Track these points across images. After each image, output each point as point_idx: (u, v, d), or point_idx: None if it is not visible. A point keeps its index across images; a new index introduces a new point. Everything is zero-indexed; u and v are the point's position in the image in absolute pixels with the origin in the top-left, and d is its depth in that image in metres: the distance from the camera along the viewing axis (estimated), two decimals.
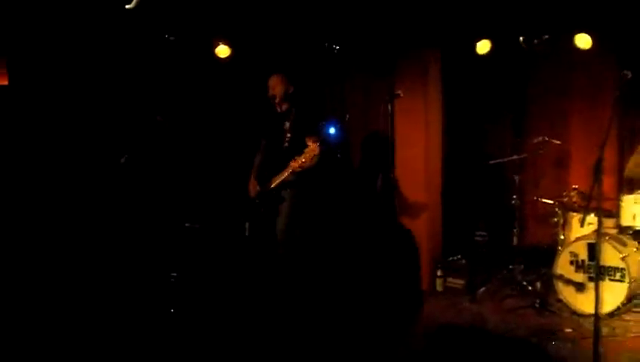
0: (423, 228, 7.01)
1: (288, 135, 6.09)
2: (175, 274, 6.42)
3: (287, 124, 6.13)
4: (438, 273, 6.92)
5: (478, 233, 7.60)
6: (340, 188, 7.28)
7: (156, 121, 6.66)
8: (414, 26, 6.94)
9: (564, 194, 6.51)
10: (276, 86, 6.14)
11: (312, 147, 5.74)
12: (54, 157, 6.82)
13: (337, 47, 7.15)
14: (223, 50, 7.30)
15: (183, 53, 7.19)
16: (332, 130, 7.05)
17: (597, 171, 4.52)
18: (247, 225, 6.25)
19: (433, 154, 7.22)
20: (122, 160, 6.27)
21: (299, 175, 5.95)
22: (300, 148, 5.85)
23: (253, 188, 6.30)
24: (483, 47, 7.21)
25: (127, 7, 4.65)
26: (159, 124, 6.68)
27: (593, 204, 4.97)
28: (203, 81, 7.61)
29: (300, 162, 5.76)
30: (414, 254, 6.64)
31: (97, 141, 6.94)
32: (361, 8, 6.95)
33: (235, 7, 6.95)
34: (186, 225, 6.98)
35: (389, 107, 6.19)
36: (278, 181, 6.00)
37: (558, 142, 6.69)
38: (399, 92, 6.17)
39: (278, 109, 6.20)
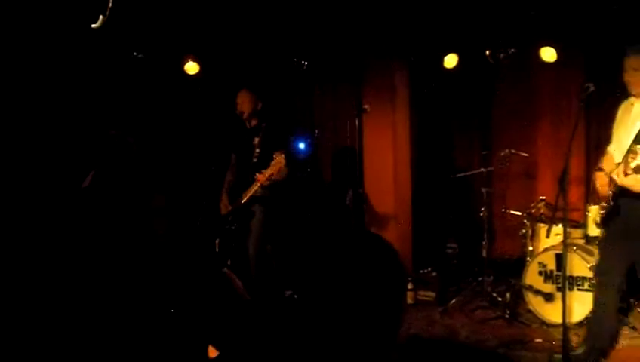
0: (393, 241, 6.88)
1: (257, 150, 6.10)
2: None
3: (257, 140, 6.14)
4: (409, 286, 6.92)
5: (448, 245, 7.64)
6: (310, 202, 7.29)
7: (127, 142, 6.62)
8: (381, 40, 7.00)
9: (532, 205, 6.56)
10: (244, 102, 6.14)
11: (278, 159, 5.76)
12: (21, 176, 6.73)
13: (306, 63, 7.18)
14: (191, 67, 7.30)
15: (152, 71, 7.16)
16: (302, 145, 7.07)
17: (562, 182, 4.58)
18: (217, 241, 6.24)
19: (402, 168, 7.26)
20: (86, 182, 6.21)
21: (268, 190, 5.96)
22: (269, 163, 5.86)
23: (225, 205, 6.29)
24: (450, 60, 7.29)
25: (92, 26, 4.61)
26: (130, 145, 6.64)
27: (559, 214, 5.02)
28: (173, 98, 7.58)
29: (266, 175, 5.77)
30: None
31: (61, 158, 6.87)
32: (327, 23, 7.00)
33: (204, 24, 6.97)
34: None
35: (357, 122, 6.21)
36: (247, 196, 6.01)
37: (526, 154, 6.73)
38: (366, 106, 6.19)
39: (248, 125, 6.21)
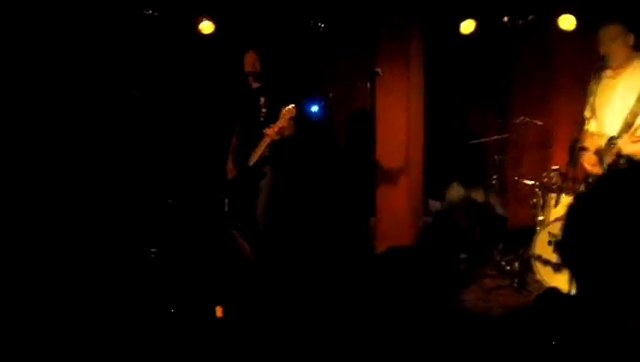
0: (403, 207, 7.00)
1: (264, 110, 6.05)
2: (155, 250, 6.40)
3: (263, 100, 6.08)
4: None
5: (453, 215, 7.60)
6: (322, 167, 7.27)
7: (133, 96, 6.61)
8: (397, 3, 6.90)
9: (544, 174, 6.50)
10: (255, 62, 6.10)
11: (287, 109, 5.71)
12: (29, 131, 6.74)
13: (323, 26, 7.12)
14: (206, 26, 7.23)
15: (165, 29, 7.12)
16: (315, 108, 7.03)
17: (572, 152, 4.53)
18: (226, 201, 6.23)
19: (415, 134, 7.20)
20: (98, 133, 6.22)
21: (278, 150, 5.93)
22: (276, 120, 5.84)
23: (230, 170, 6.28)
24: (467, 26, 7.18)
25: None
26: (136, 98, 6.63)
27: (569, 185, 4.98)
28: (186, 57, 7.54)
29: (276, 128, 5.73)
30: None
31: (73, 115, 6.87)
32: None
33: None
34: (169, 201, 6.95)
35: (369, 85, 6.16)
36: (256, 155, 5.97)
37: (540, 122, 6.67)
38: (378, 70, 6.14)
39: (254, 85, 6.17)
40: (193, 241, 6.69)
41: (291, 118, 5.72)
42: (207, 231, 6.74)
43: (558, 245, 1.41)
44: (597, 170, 4.58)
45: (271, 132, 5.77)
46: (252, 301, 5.43)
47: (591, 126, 4.68)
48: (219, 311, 5.09)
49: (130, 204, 6.85)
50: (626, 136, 4.38)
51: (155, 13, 6.82)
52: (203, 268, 6.25)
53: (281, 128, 5.74)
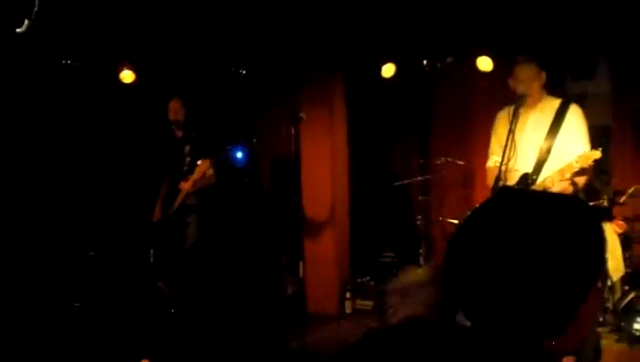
0: (330, 250, 6.99)
1: (187, 159, 6.05)
2: (78, 304, 6.21)
3: (187, 148, 6.08)
4: (347, 295, 6.89)
5: (385, 254, 7.61)
6: (248, 212, 7.22)
7: (49, 146, 6.48)
8: (318, 49, 6.97)
9: (468, 213, 6.59)
10: (178, 110, 6.07)
11: (201, 163, 5.76)
12: None
13: (244, 72, 7.13)
14: (127, 75, 7.14)
15: (86, 78, 7.01)
16: (239, 154, 7.00)
17: (495, 190, 4.60)
18: (151, 251, 6.14)
19: (340, 177, 7.22)
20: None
21: (199, 197, 5.93)
22: None
23: (156, 214, 6.23)
24: (388, 70, 7.29)
25: (17, 30, 4.45)
26: (52, 148, 6.50)
27: None
28: (107, 106, 7.42)
29: (190, 181, 5.77)
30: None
31: None
32: (265, 32, 6.95)
33: (140, 32, 6.84)
34: (90, 253, 6.78)
35: (293, 130, 6.17)
36: (176, 204, 5.99)
37: (461, 162, 6.78)
38: (302, 115, 6.15)
39: (179, 134, 6.15)
40: (116, 293, 6.53)
41: (205, 173, 5.77)
42: (131, 283, 6.59)
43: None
44: None
45: (186, 185, 5.85)
46: (176, 353, 5.32)
47: (510, 163, 4.75)
48: None
49: (52, 258, 6.65)
50: (555, 175, 4.46)
51: (75, 63, 6.71)
52: (127, 321, 6.10)
53: (195, 181, 5.80)
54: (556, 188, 4.43)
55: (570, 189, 4.45)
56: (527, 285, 1.32)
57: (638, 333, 5.29)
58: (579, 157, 4.31)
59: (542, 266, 1.31)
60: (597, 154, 4.28)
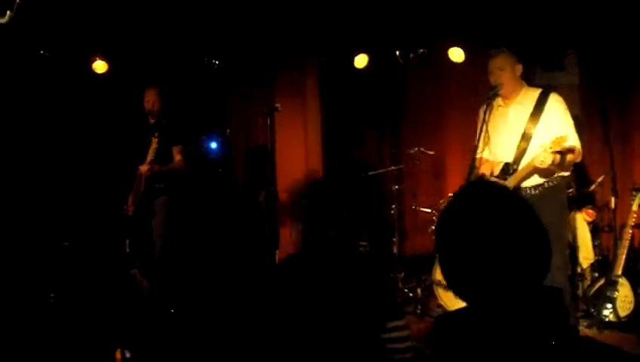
0: None
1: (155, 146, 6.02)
2: (54, 295, 6.20)
3: (156, 134, 6.05)
4: None
5: (359, 243, 7.67)
6: (222, 202, 7.23)
7: (31, 137, 6.44)
8: (292, 40, 7.01)
9: (441, 202, 6.69)
10: (153, 100, 6.06)
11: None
12: None
13: (217, 62, 7.13)
14: (100, 66, 7.13)
15: (59, 69, 6.97)
16: (213, 145, 7.01)
17: (469, 179, 4.68)
18: (127, 241, 6.14)
19: (314, 166, 7.28)
20: None
21: (163, 182, 5.93)
22: (165, 159, 5.83)
23: (129, 206, 6.22)
24: (361, 60, 7.36)
25: None
26: (33, 139, 6.46)
27: None
28: (80, 97, 7.39)
29: (146, 163, 5.77)
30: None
31: None
32: (239, 22, 6.96)
33: (113, 22, 6.82)
34: (65, 243, 6.76)
35: (269, 120, 6.21)
36: (140, 191, 5.98)
37: (432, 152, 6.85)
38: (277, 105, 6.19)
39: (152, 121, 6.13)
40: (92, 283, 6.52)
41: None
42: (106, 272, 6.59)
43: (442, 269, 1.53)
44: None
45: (143, 168, 5.82)
46: (152, 342, 5.33)
47: (484, 153, 4.83)
48: (118, 354, 4.98)
49: (27, 249, 6.62)
50: (528, 165, 4.55)
51: (47, 54, 6.68)
52: (102, 310, 6.10)
53: (150, 161, 5.78)
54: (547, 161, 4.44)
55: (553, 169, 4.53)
56: (501, 259, 1.55)
57: (607, 319, 5.40)
58: (549, 142, 4.36)
59: (508, 244, 1.55)
60: (565, 137, 4.34)
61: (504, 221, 1.58)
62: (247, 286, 6.37)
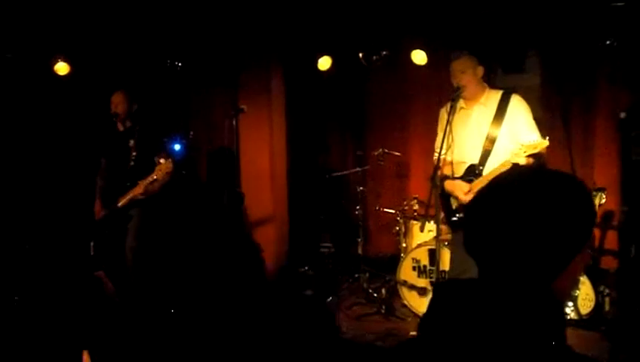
0: (270, 241, 7.06)
1: (134, 153, 5.94)
2: (17, 298, 6.13)
3: (132, 142, 5.96)
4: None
5: (323, 244, 7.73)
6: (187, 204, 7.22)
7: None
8: (256, 42, 7.02)
9: (405, 203, 6.75)
10: (120, 103, 5.98)
11: (166, 164, 5.65)
12: None
13: (180, 64, 7.11)
14: (62, 67, 7.06)
15: (21, 71, 6.90)
16: (176, 147, 6.99)
17: (434, 180, 4.74)
18: (92, 244, 6.07)
19: (279, 168, 7.31)
20: None
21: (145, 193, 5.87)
22: (147, 166, 5.76)
23: (99, 210, 6.13)
24: (324, 63, 7.40)
25: None
26: None
27: (432, 211, 5.19)
28: (42, 99, 7.31)
29: (150, 180, 5.68)
30: (260, 266, 6.67)
31: None
32: (202, 23, 6.96)
33: (75, 23, 6.77)
34: (26, 246, 6.69)
35: (234, 122, 6.20)
36: (125, 200, 5.87)
37: (398, 153, 6.92)
38: (243, 107, 6.19)
39: (121, 127, 6.06)
40: (55, 285, 6.45)
41: (168, 172, 5.68)
42: (70, 275, 6.53)
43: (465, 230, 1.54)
44: (469, 198, 4.69)
45: (146, 183, 5.73)
46: (119, 344, 5.30)
47: (448, 155, 4.88)
48: (85, 356, 4.93)
49: None
50: (500, 166, 4.60)
51: (8, 55, 6.61)
52: (67, 313, 6.04)
53: (155, 180, 5.69)
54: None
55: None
56: (532, 242, 1.54)
57: (568, 317, 5.51)
58: (524, 146, 4.43)
59: (544, 228, 1.54)
60: (545, 143, 4.43)
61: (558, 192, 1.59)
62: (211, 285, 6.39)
